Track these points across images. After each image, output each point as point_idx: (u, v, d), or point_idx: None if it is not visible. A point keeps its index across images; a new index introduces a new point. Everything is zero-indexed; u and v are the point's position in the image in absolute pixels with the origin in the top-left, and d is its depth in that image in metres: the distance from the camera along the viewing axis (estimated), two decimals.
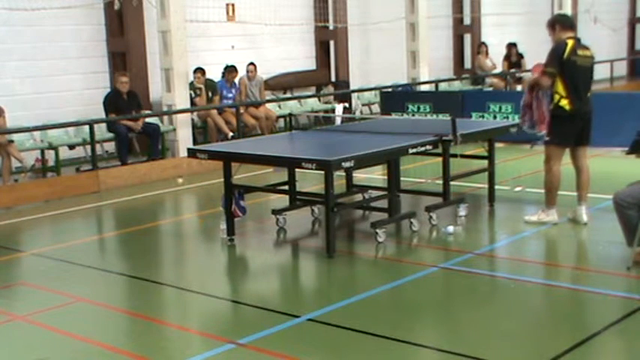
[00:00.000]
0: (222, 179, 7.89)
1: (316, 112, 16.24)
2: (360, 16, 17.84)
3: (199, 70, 13.50)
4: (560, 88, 7.50)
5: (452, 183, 8.22)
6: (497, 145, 9.17)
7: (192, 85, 13.36)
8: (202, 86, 13.47)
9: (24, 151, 11.38)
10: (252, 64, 14.59)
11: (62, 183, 11.03)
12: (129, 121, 12.23)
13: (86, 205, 10.24)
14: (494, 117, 12.74)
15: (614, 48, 25.56)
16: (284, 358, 5.00)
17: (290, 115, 9.86)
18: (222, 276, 7.16)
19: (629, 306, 5.67)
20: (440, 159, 8.10)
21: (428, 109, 13.60)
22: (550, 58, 7.56)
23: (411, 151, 7.60)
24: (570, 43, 7.51)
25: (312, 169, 6.91)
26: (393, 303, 6.02)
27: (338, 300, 6.02)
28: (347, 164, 6.96)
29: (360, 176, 9.98)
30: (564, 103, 7.50)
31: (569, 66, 7.47)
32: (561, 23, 7.72)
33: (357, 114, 15.37)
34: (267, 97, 15.20)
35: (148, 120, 12.56)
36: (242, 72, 14.54)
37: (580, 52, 7.59)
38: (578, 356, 4.86)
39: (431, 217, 7.99)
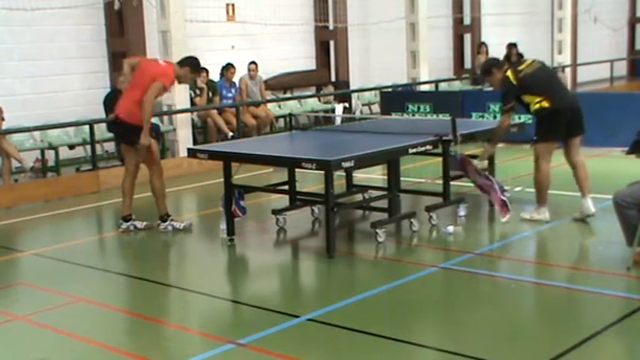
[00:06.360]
0: (222, 179, 7.89)
1: (316, 112, 16.24)
2: (360, 16, 17.84)
3: (203, 70, 13.50)
4: (532, 99, 7.72)
5: (452, 183, 8.23)
6: (498, 145, 9.15)
7: (194, 85, 13.36)
8: (204, 86, 13.47)
9: (24, 151, 11.38)
10: (253, 62, 14.59)
11: (62, 183, 11.04)
12: None
13: (86, 205, 10.25)
14: (494, 117, 12.72)
15: (614, 48, 25.57)
16: (284, 358, 5.00)
17: (290, 115, 9.86)
18: (222, 276, 7.16)
19: (629, 306, 5.67)
20: (440, 159, 8.10)
21: (428, 109, 13.60)
22: (505, 98, 7.85)
23: (411, 151, 7.60)
24: (510, 72, 7.78)
25: (312, 169, 6.91)
26: (393, 303, 6.01)
27: (338, 300, 6.02)
28: (347, 164, 6.96)
29: (360, 176, 9.98)
30: (543, 103, 7.70)
31: (525, 83, 7.73)
32: (495, 66, 7.99)
33: (357, 114, 15.37)
34: (268, 97, 15.20)
35: None
36: (242, 72, 14.54)
37: (521, 67, 7.86)
38: (578, 356, 4.86)
39: (431, 217, 7.99)
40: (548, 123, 7.75)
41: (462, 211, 8.25)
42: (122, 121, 8.29)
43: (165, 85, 8.20)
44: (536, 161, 7.88)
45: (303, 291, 6.71)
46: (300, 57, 17.18)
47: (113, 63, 13.51)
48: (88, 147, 11.83)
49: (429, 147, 7.86)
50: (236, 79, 14.31)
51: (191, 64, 8.40)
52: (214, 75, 13.99)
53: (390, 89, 15.91)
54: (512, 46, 18.84)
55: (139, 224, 8.52)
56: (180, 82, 8.78)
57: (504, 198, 7.94)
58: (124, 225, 8.51)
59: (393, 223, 7.96)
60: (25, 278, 7.24)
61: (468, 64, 21.06)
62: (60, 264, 7.46)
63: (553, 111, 7.68)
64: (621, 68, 24.95)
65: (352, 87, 17.56)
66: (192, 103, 13.24)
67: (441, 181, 8.24)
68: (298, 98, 16.14)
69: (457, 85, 18.77)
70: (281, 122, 15.41)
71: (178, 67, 8.33)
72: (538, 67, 7.92)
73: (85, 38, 13.30)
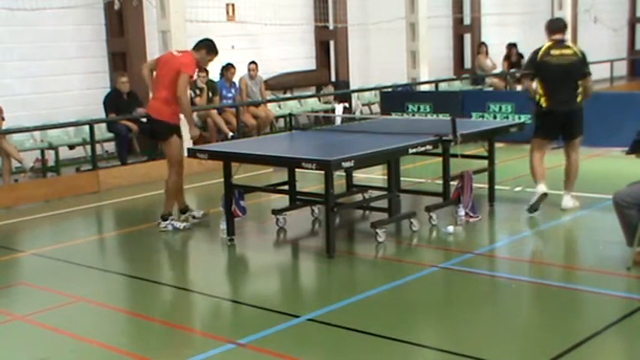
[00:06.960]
0: (222, 179, 7.89)
1: (316, 112, 16.24)
2: (360, 16, 17.84)
3: (203, 70, 13.50)
4: (539, 87, 8.09)
5: (452, 183, 8.23)
6: (497, 145, 9.17)
7: (193, 84, 13.35)
8: (204, 86, 13.47)
9: (24, 152, 11.37)
10: (253, 62, 14.60)
11: (62, 183, 11.03)
12: (128, 121, 12.24)
13: (86, 205, 10.25)
14: (494, 117, 12.74)
15: (614, 48, 25.55)
16: (284, 358, 5.00)
17: (290, 115, 9.85)
18: (222, 276, 7.16)
19: (629, 306, 5.67)
20: (440, 159, 8.11)
21: (428, 109, 13.60)
22: (525, 63, 8.36)
23: (411, 151, 7.59)
24: (545, 45, 8.08)
25: (312, 169, 6.90)
26: (393, 303, 6.01)
27: (338, 300, 6.02)
28: (347, 164, 6.96)
29: (360, 176, 9.98)
30: (542, 100, 8.12)
31: (542, 67, 8.04)
32: (548, 28, 8.28)
33: (357, 114, 15.36)
34: (268, 97, 15.20)
35: None
36: (242, 72, 14.54)
37: (555, 51, 8.05)
38: (578, 356, 4.86)
39: (431, 217, 7.99)
40: (542, 121, 8.16)
41: (461, 211, 8.25)
42: (154, 120, 8.37)
43: (190, 74, 8.30)
44: (530, 152, 8.34)
45: (303, 291, 6.71)
46: (300, 57, 17.17)
47: (113, 63, 13.52)
48: (88, 147, 11.82)
49: (429, 147, 7.85)
50: (236, 79, 14.32)
51: (206, 45, 8.43)
52: (214, 75, 13.98)
53: (390, 89, 15.89)
54: (512, 46, 18.85)
55: (178, 224, 8.49)
56: (199, 67, 8.79)
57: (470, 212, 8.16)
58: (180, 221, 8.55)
59: (393, 223, 7.96)
60: (25, 278, 7.24)
61: (468, 64, 21.04)
62: (60, 264, 7.46)
63: (547, 111, 8.05)
64: (621, 68, 24.94)
65: (352, 87, 17.56)
66: (192, 103, 13.21)
67: (441, 181, 8.24)
68: (298, 98, 16.14)
69: (457, 85, 18.75)
70: (281, 122, 15.41)
71: (195, 52, 8.35)
72: (569, 61, 8.05)
73: (85, 38, 13.30)
